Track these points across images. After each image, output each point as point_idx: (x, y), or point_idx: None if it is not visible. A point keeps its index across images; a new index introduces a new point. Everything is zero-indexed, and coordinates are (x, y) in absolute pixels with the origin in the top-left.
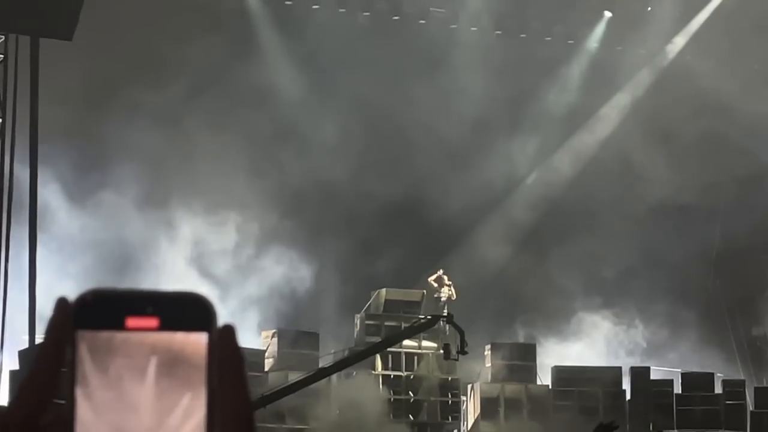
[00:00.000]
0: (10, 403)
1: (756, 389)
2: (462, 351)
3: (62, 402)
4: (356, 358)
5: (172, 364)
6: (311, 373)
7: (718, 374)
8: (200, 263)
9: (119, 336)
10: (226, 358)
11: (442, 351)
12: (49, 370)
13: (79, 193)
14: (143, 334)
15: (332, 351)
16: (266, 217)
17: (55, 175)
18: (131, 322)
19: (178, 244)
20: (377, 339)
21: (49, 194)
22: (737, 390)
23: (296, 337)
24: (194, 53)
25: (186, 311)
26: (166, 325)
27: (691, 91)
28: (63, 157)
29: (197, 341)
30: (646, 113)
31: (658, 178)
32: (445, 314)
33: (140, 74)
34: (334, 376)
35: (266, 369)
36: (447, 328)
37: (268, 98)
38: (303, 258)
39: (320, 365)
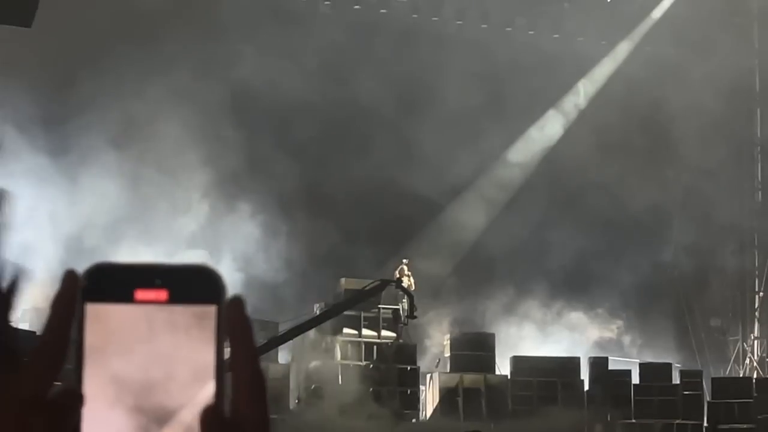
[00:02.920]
0: (19, 375)
1: (713, 380)
2: (411, 315)
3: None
4: (309, 324)
5: (181, 337)
6: (265, 342)
7: (676, 365)
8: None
9: (128, 308)
10: (237, 330)
11: (401, 340)
12: (57, 342)
13: (42, 167)
14: (152, 307)
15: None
16: (227, 202)
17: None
18: (140, 294)
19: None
20: (338, 329)
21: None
22: (694, 380)
23: (256, 326)
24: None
25: (195, 283)
26: (175, 298)
27: (651, 82)
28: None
29: (206, 313)
30: (609, 103)
31: (618, 170)
32: (395, 279)
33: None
34: (293, 365)
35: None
36: (406, 319)
37: (232, 78)
38: (265, 245)
39: (279, 355)
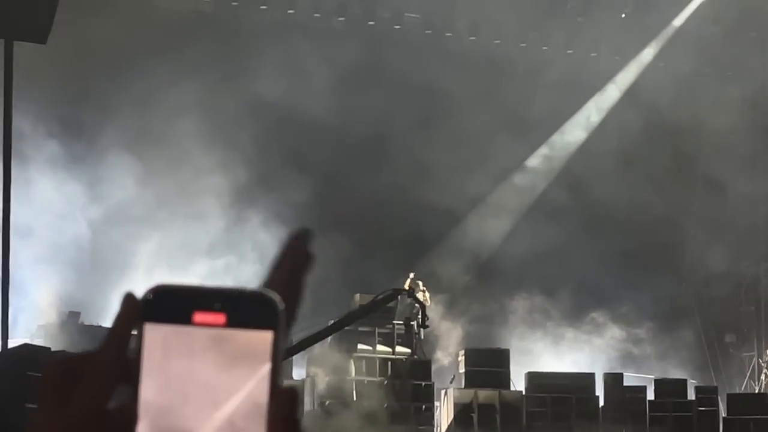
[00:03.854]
0: (76, 391)
1: (728, 396)
2: (423, 325)
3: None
4: (321, 335)
5: (237, 361)
6: None
7: (691, 381)
8: (171, 264)
9: (186, 330)
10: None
11: (415, 355)
12: (115, 360)
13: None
14: (210, 330)
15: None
16: (240, 215)
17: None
18: (199, 317)
19: (149, 245)
20: (352, 345)
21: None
22: (710, 396)
23: None
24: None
25: (252, 308)
26: (233, 322)
27: (667, 97)
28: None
29: (263, 339)
30: (624, 117)
31: (630, 182)
32: (406, 288)
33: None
34: (308, 381)
35: None
36: (422, 332)
37: (245, 91)
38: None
39: (294, 371)
